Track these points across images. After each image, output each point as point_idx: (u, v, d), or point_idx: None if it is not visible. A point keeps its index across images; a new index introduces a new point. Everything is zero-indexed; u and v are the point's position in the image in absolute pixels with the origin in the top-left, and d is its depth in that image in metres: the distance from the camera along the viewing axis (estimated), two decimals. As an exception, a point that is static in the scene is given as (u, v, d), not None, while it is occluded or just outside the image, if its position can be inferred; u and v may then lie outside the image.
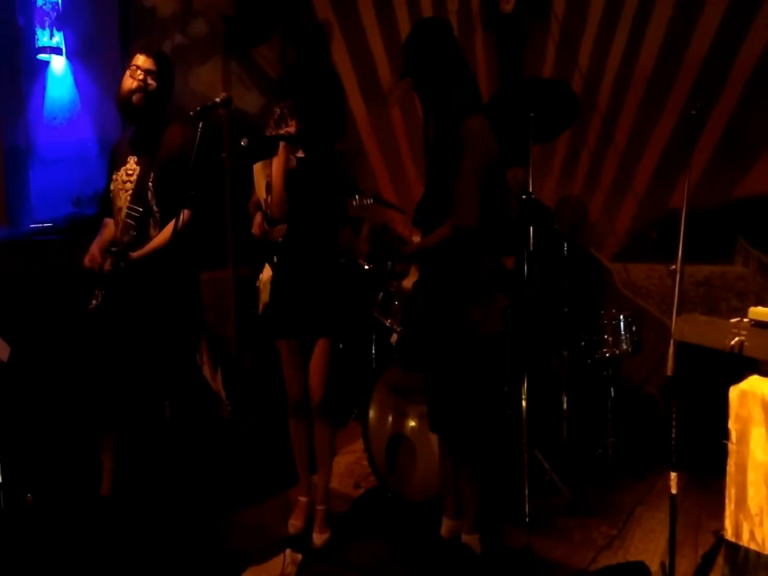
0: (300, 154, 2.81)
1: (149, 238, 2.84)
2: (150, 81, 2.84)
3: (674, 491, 2.19)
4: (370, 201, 2.49)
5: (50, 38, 4.32)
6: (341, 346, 3.90)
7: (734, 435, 1.63)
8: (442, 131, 2.48)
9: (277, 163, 2.77)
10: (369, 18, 4.87)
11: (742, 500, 1.62)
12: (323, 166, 2.75)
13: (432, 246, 2.44)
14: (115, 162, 2.96)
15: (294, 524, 2.90)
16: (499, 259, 2.60)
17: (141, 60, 2.85)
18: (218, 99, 2.55)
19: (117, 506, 2.96)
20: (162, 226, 2.85)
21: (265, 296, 3.59)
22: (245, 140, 2.83)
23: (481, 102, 2.52)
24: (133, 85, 2.83)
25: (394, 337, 3.37)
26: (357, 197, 2.47)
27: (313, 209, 2.75)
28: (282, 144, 2.75)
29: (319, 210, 2.75)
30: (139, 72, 2.83)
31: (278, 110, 2.83)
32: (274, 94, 4.91)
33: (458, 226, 2.36)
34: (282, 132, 2.72)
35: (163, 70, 2.87)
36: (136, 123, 2.93)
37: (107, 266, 2.80)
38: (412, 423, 3.15)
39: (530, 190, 3.09)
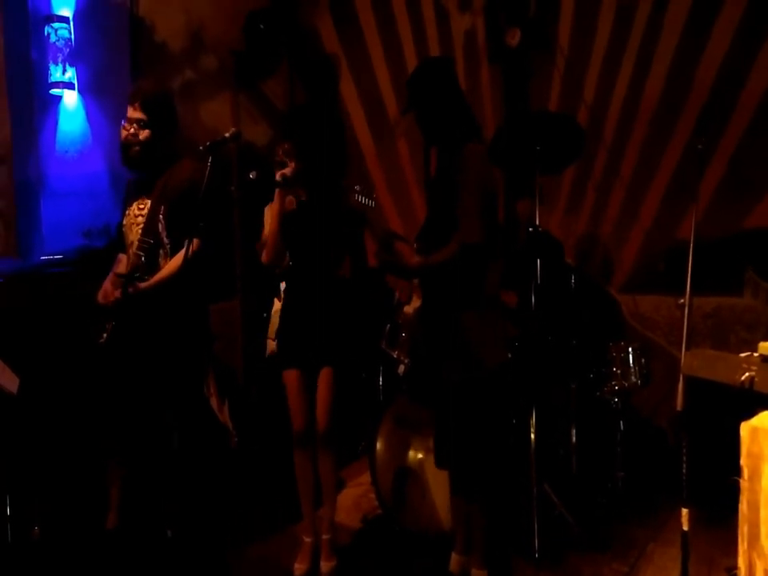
0: (302, 197, 2.82)
1: (158, 269, 2.86)
2: (140, 131, 2.85)
3: (685, 528, 2.15)
4: (371, 202, 2.50)
5: (63, 74, 4.38)
6: (364, 376, 3.90)
7: (746, 472, 1.60)
8: (443, 161, 2.54)
9: (272, 210, 2.79)
10: (376, 50, 4.95)
11: (755, 538, 1.60)
12: (325, 206, 2.76)
13: (437, 264, 2.45)
14: (129, 197, 3.00)
15: (300, 567, 2.85)
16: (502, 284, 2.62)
17: (129, 111, 2.88)
18: (227, 134, 2.59)
19: (123, 540, 2.94)
20: (171, 256, 2.87)
21: (273, 327, 3.61)
22: (254, 173, 2.87)
23: (480, 134, 2.57)
24: (124, 138, 2.88)
25: (401, 368, 3.36)
26: (357, 188, 2.47)
27: (315, 248, 2.77)
28: (276, 191, 2.75)
29: (322, 249, 2.76)
30: (128, 125, 2.87)
31: (279, 152, 2.83)
32: (279, 130, 4.98)
33: (466, 243, 2.38)
34: (277, 177, 2.71)
35: (154, 114, 2.86)
36: (136, 172, 2.97)
37: (116, 292, 2.82)
38: (419, 455, 3.13)
39: (537, 222, 3.10)
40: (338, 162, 2.81)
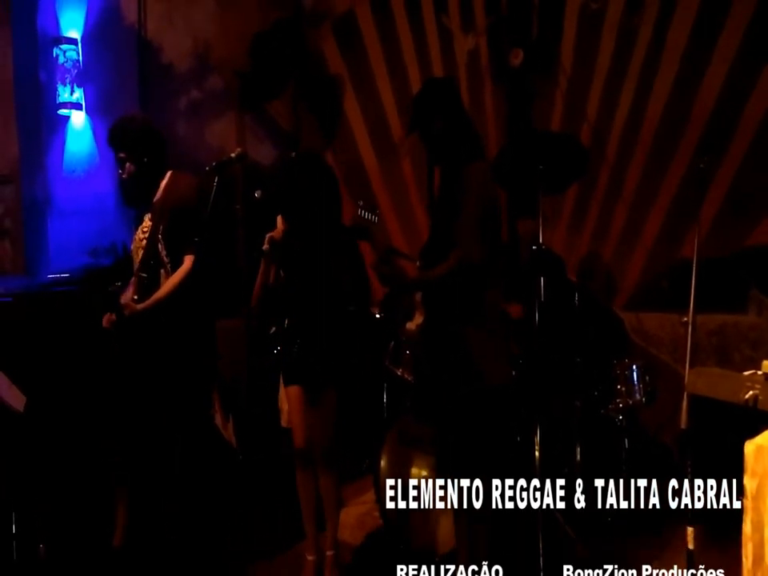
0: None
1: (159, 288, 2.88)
2: (126, 169, 2.90)
3: (690, 546, 2.15)
4: (374, 218, 2.52)
5: (71, 94, 4.46)
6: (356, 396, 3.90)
7: (749, 492, 1.60)
8: (447, 179, 2.56)
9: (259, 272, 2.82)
10: (380, 71, 4.99)
11: (759, 558, 1.59)
12: (316, 251, 2.78)
13: (435, 279, 2.47)
14: (137, 222, 3.03)
15: None
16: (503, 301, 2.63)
17: (115, 155, 2.92)
18: (233, 155, 2.62)
19: (128, 558, 2.93)
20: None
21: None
22: (258, 192, 2.90)
23: (483, 152, 2.60)
24: (120, 182, 2.96)
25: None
26: (360, 203, 2.49)
27: (312, 267, 2.79)
28: (262, 259, 2.79)
29: (319, 268, 2.79)
30: (119, 169, 2.92)
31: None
32: (287, 147, 5.03)
33: (464, 262, 2.39)
34: (264, 245, 2.73)
35: (131, 148, 2.88)
36: (140, 205, 3.02)
37: (113, 316, 2.83)
38: (423, 473, 3.12)
39: (540, 240, 3.11)
40: (330, 221, 2.80)
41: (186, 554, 2.82)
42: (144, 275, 2.88)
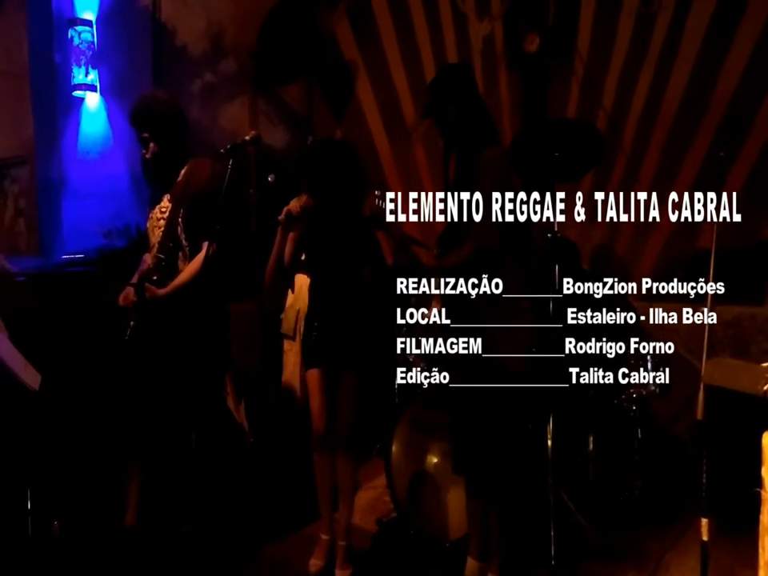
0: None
1: (177, 272, 2.88)
2: (148, 149, 2.87)
3: (705, 538, 2.14)
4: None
5: (86, 76, 4.45)
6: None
7: (767, 483, 1.59)
8: (462, 165, 2.55)
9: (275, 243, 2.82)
10: (394, 56, 4.95)
11: (776, 550, 1.58)
12: (341, 235, 2.79)
13: (452, 266, 2.46)
14: (153, 201, 3.02)
15: (315, 563, 2.87)
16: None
17: (137, 135, 2.90)
18: (247, 137, 2.61)
19: (140, 537, 2.95)
20: (191, 259, 2.89)
21: (287, 323, 3.63)
22: (272, 176, 2.89)
23: (498, 137, 2.59)
24: (143, 162, 2.93)
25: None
26: (377, 193, 2.50)
27: (333, 252, 2.79)
28: (278, 228, 2.79)
29: (339, 253, 2.79)
30: (141, 149, 2.90)
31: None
32: (300, 131, 5.01)
33: (481, 246, 2.38)
34: (281, 215, 2.73)
35: (152, 127, 2.86)
36: (155, 187, 3.00)
37: (132, 296, 2.83)
38: (435, 460, 3.12)
39: (555, 228, 3.09)
40: (352, 202, 2.80)
41: (198, 535, 2.83)
42: (162, 257, 2.88)
